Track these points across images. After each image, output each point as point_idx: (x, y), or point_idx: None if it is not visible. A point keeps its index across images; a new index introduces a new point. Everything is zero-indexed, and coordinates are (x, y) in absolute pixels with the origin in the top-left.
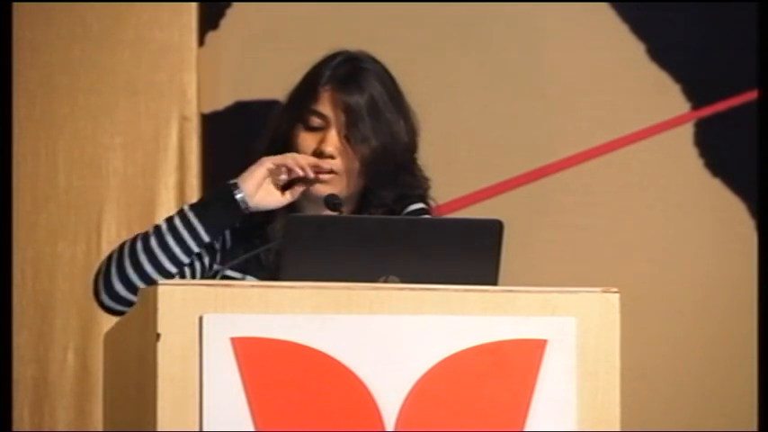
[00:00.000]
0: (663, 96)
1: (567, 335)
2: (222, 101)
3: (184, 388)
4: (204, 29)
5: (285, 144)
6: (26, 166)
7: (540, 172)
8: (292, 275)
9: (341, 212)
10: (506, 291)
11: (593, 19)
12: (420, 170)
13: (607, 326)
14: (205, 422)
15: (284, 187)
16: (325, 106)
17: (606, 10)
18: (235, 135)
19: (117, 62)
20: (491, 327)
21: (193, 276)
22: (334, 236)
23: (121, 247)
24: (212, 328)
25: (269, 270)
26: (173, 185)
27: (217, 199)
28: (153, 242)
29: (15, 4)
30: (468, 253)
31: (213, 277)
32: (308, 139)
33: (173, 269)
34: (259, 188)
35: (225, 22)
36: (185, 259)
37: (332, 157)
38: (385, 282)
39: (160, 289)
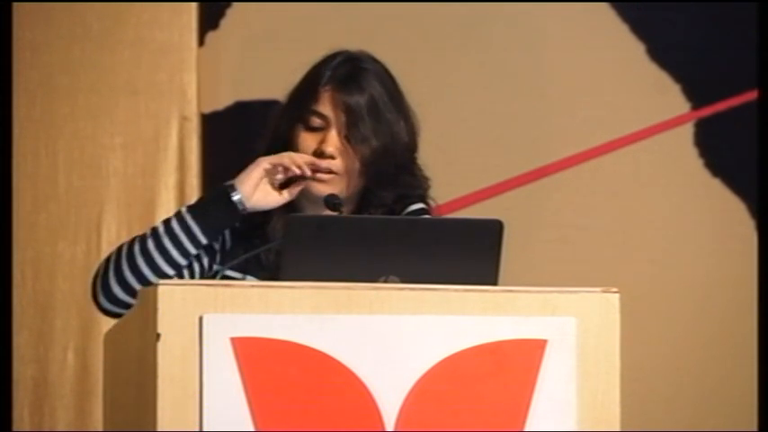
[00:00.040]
0: (663, 96)
1: (567, 335)
2: (222, 101)
3: (184, 388)
4: (204, 29)
5: (285, 144)
6: (26, 166)
7: (540, 172)
8: (292, 275)
9: (341, 212)
10: (506, 291)
11: (593, 19)
12: (420, 170)
13: (607, 326)
14: (205, 422)
15: (282, 186)
16: (325, 106)
17: (606, 10)
18: (235, 135)
19: (117, 62)
20: (491, 327)
21: (192, 277)
22: (334, 236)
23: (119, 249)
24: (212, 328)
25: (269, 270)
26: (173, 185)
27: (214, 201)
28: (150, 245)
29: (15, 4)
30: (468, 253)
31: (213, 277)
32: (308, 140)
33: (170, 272)
34: (256, 189)
35: (225, 22)
36: (183, 262)
37: (332, 157)
38: (385, 282)
39: (160, 289)
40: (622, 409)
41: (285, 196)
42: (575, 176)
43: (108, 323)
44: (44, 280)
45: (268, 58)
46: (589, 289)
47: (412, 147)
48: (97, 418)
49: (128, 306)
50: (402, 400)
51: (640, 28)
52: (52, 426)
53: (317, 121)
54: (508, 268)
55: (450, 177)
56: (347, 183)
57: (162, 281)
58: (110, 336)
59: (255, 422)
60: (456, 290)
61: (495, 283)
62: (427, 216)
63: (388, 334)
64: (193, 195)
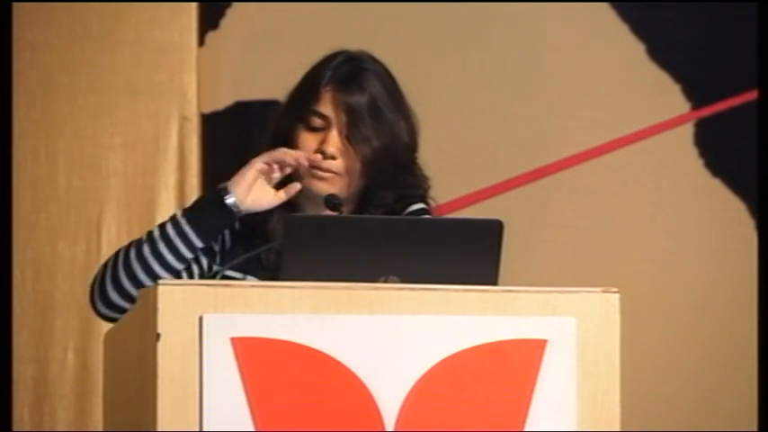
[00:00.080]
0: (663, 96)
1: (567, 335)
2: (222, 101)
3: (184, 388)
4: (204, 29)
5: (285, 144)
6: (26, 166)
7: (540, 172)
8: (292, 275)
9: (341, 212)
10: (506, 291)
11: (593, 19)
12: (420, 170)
13: (607, 326)
14: (205, 422)
15: (279, 186)
16: (326, 107)
17: (606, 10)
18: (235, 135)
19: (117, 62)
20: (491, 327)
21: (191, 279)
22: (334, 236)
23: (116, 255)
24: (212, 328)
25: (269, 270)
26: (173, 185)
27: (208, 204)
28: (145, 250)
29: (15, 4)
30: (468, 253)
31: (213, 277)
32: (308, 140)
33: (167, 276)
34: (250, 190)
35: (225, 22)
36: (179, 266)
37: (333, 157)
38: (385, 282)
39: (160, 289)
40: (622, 409)
41: (281, 196)
42: (575, 176)
43: (108, 323)
44: (44, 280)
45: (268, 58)
46: (589, 289)
47: (412, 147)
48: (97, 418)
49: (124, 311)
50: (402, 400)
51: (640, 28)
52: (52, 426)
53: (317, 122)
54: (508, 268)
55: (450, 177)
56: (348, 183)
57: (162, 281)
58: (110, 336)
59: (255, 422)
60: (456, 290)
61: (495, 283)
62: (427, 216)
63: (388, 334)
64: (193, 195)
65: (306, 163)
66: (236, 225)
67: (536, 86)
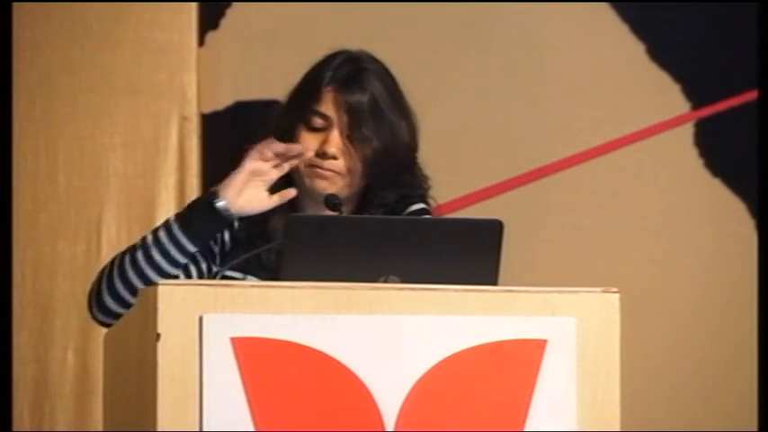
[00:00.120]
0: (663, 96)
1: (567, 335)
2: (222, 101)
3: (184, 388)
4: (204, 29)
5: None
6: (26, 166)
7: (540, 172)
8: (292, 275)
9: (341, 212)
10: (506, 291)
11: (593, 19)
12: (420, 170)
13: (607, 326)
14: (205, 422)
15: (274, 190)
16: (327, 107)
17: (606, 10)
18: (235, 135)
19: (117, 62)
20: (491, 327)
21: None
22: (334, 236)
23: (111, 262)
24: (212, 328)
25: (270, 270)
26: (173, 185)
27: (199, 208)
28: (139, 256)
29: (15, 4)
30: (468, 253)
31: (214, 277)
32: (309, 140)
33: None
34: (242, 193)
35: (225, 22)
36: (173, 270)
37: (334, 157)
38: (385, 282)
39: (160, 289)
40: (622, 409)
41: (275, 200)
42: (575, 176)
43: None
44: (44, 280)
45: (268, 58)
46: (589, 289)
47: (413, 146)
48: (97, 418)
49: (121, 317)
50: (402, 400)
51: (640, 28)
52: (52, 426)
53: (318, 122)
54: (508, 268)
55: (451, 177)
56: (349, 182)
57: (162, 281)
58: (110, 336)
59: (255, 422)
60: (456, 290)
61: (495, 283)
62: (427, 216)
63: (388, 334)
64: (193, 195)
65: (300, 149)
66: (236, 225)
67: (536, 86)
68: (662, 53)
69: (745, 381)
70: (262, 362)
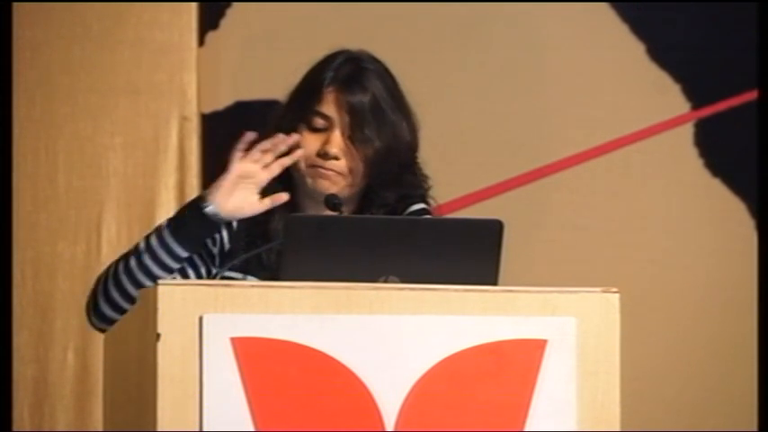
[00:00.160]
0: (663, 96)
1: (567, 335)
2: (222, 101)
3: (184, 388)
4: (204, 29)
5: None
6: (26, 166)
7: (540, 172)
8: (292, 275)
9: (341, 212)
10: (506, 291)
11: (593, 19)
12: (421, 169)
13: (607, 326)
14: (205, 422)
15: (273, 191)
16: (328, 107)
17: (606, 10)
18: (235, 135)
19: (117, 62)
20: (491, 327)
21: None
22: (334, 236)
23: (107, 270)
24: (212, 328)
25: (270, 270)
26: (173, 185)
27: (189, 214)
28: (132, 263)
29: (15, 4)
30: (468, 253)
31: (214, 278)
32: (311, 140)
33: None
34: (230, 197)
35: (225, 22)
36: (167, 276)
37: (336, 158)
38: (385, 282)
39: (160, 289)
40: (622, 409)
41: (266, 204)
42: (575, 176)
43: None
44: (44, 280)
45: (268, 58)
46: (589, 289)
47: (414, 146)
48: (97, 418)
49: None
50: (402, 400)
51: (640, 28)
52: (52, 426)
53: (320, 122)
54: (508, 268)
55: (450, 177)
56: (351, 183)
57: (162, 281)
58: (110, 336)
59: (255, 422)
60: (456, 290)
61: (495, 283)
62: (428, 216)
63: (388, 334)
64: (193, 195)
65: (290, 141)
66: (234, 226)
67: (536, 86)
68: (662, 53)
69: (745, 381)
70: (262, 362)
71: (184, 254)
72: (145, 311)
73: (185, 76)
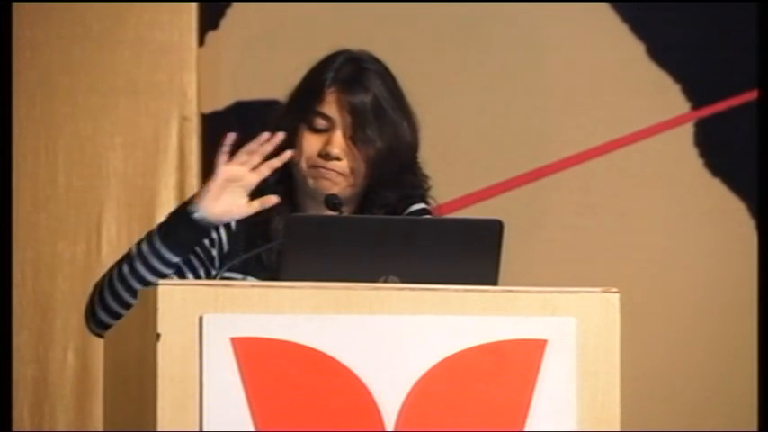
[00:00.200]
0: (663, 96)
1: (567, 335)
2: (222, 101)
3: (184, 388)
4: (204, 29)
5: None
6: (26, 166)
7: (540, 172)
8: (292, 275)
9: (341, 212)
10: (506, 291)
11: (593, 19)
12: (421, 169)
13: (607, 326)
14: (205, 422)
15: (253, 196)
16: (329, 108)
17: (606, 10)
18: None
19: (117, 62)
20: (491, 327)
21: None
22: (334, 236)
23: (103, 277)
24: (212, 328)
25: (270, 270)
26: (173, 185)
27: (177, 220)
28: (125, 269)
29: (15, 4)
30: (468, 253)
31: (214, 278)
32: (312, 141)
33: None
34: (218, 201)
35: (225, 22)
36: (159, 281)
37: (338, 158)
38: (385, 282)
39: (160, 289)
40: (622, 409)
41: (255, 206)
42: (575, 176)
43: None
44: (44, 280)
45: (268, 58)
46: (589, 289)
47: (414, 146)
48: (97, 418)
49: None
50: (402, 400)
51: (640, 28)
52: (52, 426)
53: (321, 123)
54: (508, 268)
55: (450, 177)
56: (352, 183)
57: (162, 281)
58: (110, 336)
59: (255, 422)
60: (456, 290)
61: (495, 283)
62: (428, 216)
63: (388, 334)
64: None
65: (273, 143)
66: (233, 226)
67: (536, 86)
68: (662, 53)
69: (745, 381)
70: (262, 362)
71: (175, 259)
72: (145, 311)
73: (185, 76)
